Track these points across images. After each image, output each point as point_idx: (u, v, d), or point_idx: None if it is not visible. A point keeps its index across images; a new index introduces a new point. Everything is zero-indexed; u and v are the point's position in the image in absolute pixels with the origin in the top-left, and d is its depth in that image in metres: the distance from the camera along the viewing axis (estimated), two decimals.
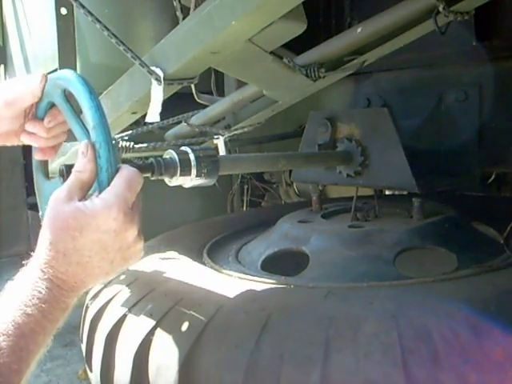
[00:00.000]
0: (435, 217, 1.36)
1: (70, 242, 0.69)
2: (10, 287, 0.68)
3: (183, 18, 1.21)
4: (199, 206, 2.59)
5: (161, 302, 1.12)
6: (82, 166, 0.73)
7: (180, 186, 0.93)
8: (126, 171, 0.74)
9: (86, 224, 0.69)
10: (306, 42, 1.23)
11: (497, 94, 1.53)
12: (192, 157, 0.87)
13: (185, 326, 1.01)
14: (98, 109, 0.75)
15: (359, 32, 1.16)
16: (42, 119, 0.85)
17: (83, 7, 1.27)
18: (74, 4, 1.30)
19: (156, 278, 1.28)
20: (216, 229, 1.75)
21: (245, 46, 1.14)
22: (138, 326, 1.09)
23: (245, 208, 2.90)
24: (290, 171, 1.78)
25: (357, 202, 1.50)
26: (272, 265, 1.35)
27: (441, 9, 1.01)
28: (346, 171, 1.42)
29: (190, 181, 0.89)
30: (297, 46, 1.24)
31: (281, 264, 1.36)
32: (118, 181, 0.73)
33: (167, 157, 0.86)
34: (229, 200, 2.73)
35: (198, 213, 2.58)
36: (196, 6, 1.14)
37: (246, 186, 2.88)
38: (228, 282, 1.20)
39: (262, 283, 1.18)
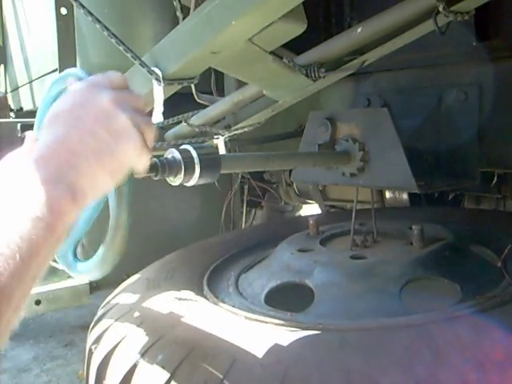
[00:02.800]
0: (435, 244, 1.35)
1: (47, 126, 0.67)
2: None
3: (183, 18, 1.21)
4: (199, 205, 2.59)
5: (172, 353, 1.07)
6: None
7: (180, 186, 0.93)
8: None
9: (58, 104, 0.68)
10: (306, 41, 1.23)
11: (497, 94, 1.53)
12: (195, 155, 0.87)
13: (200, 381, 0.98)
14: None
15: (359, 32, 1.16)
16: None
17: (83, 7, 1.27)
18: (74, 4, 1.30)
19: (162, 322, 1.22)
20: (212, 253, 1.73)
21: (245, 45, 1.14)
22: (150, 380, 1.04)
23: (244, 208, 2.91)
24: (290, 171, 1.78)
25: (352, 222, 1.48)
26: (275, 297, 1.33)
27: (441, 9, 1.01)
28: (345, 171, 1.42)
29: (193, 179, 0.88)
30: (297, 46, 1.24)
31: (283, 296, 1.34)
32: None
33: (170, 156, 0.86)
34: (228, 199, 2.73)
35: (197, 212, 2.58)
36: (196, 6, 1.14)
37: (245, 186, 2.88)
38: (237, 325, 1.16)
39: (271, 324, 1.15)
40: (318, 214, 2.46)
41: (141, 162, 0.71)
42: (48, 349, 2.84)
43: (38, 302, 2.12)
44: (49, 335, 2.98)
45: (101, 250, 1.00)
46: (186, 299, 1.35)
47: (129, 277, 2.36)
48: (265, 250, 1.70)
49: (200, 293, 1.39)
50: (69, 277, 2.21)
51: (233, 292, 1.41)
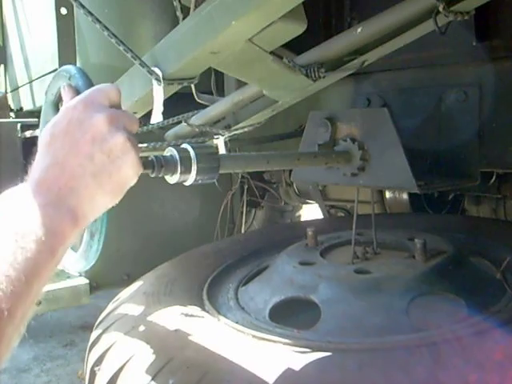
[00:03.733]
0: (437, 257, 1.35)
1: (44, 147, 0.68)
2: None
3: (183, 18, 1.21)
4: (199, 205, 2.59)
5: (184, 377, 1.03)
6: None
7: (180, 186, 0.93)
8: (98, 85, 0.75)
9: (54, 124, 0.69)
10: (306, 41, 1.23)
11: (497, 94, 1.53)
12: (192, 154, 0.87)
13: None
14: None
15: (359, 32, 1.16)
16: None
17: (83, 7, 1.27)
18: (74, 4, 1.30)
19: (170, 343, 1.18)
20: (207, 264, 1.71)
21: (245, 46, 1.14)
22: None
23: (244, 208, 2.90)
24: (290, 171, 1.78)
25: (350, 232, 1.48)
26: (278, 312, 1.32)
27: (441, 9, 1.01)
28: (345, 171, 1.42)
29: (191, 178, 0.88)
30: (297, 46, 1.24)
31: (287, 310, 1.33)
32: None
33: (168, 154, 0.86)
34: (227, 199, 2.73)
35: (197, 212, 2.58)
36: (196, 6, 1.15)
37: (245, 186, 2.88)
38: (246, 345, 1.14)
39: (281, 344, 1.12)
40: (313, 221, 2.44)
41: (136, 179, 0.72)
42: (48, 349, 2.84)
43: (38, 302, 2.11)
44: (49, 335, 2.98)
45: (83, 244, 0.99)
46: (189, 316, 1.31)
47: (129, 277, 2.36)
48: (260, 259, 1.70)
49: (201, 307, 1.37)
50: (69, 277, 2.21)
51: (234, 306, 1.39)
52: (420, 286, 1.26)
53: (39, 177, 0.65)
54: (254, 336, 1.17)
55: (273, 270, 1.50)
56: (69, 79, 0.83)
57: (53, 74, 0.91)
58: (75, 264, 0.96)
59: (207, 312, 1.34)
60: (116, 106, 0.73)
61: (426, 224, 1.85)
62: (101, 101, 0.71)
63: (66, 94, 0.77)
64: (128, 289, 1.61)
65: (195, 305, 1.38)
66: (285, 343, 1.12)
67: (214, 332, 1.22)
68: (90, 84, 0.80)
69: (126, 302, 1.49)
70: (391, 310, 1.20)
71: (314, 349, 1.08)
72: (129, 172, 0.70)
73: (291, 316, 1.31)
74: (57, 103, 0.92)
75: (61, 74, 0.90)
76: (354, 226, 1.47)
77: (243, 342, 1.16)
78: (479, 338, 1.04)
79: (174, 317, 1.31)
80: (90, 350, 1.32)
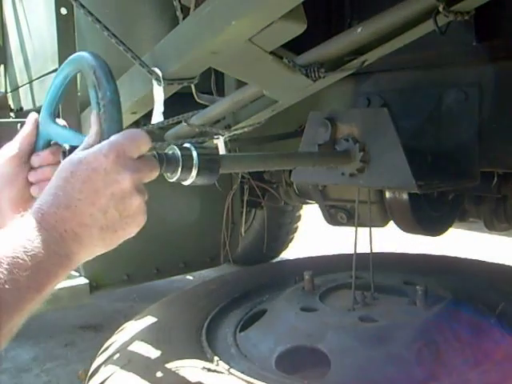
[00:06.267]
0: (438, 304, 1.37)
1: (61, 184, 0.68)
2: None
3: (183, 18, 1.21)
4: (199, 205, 2.59)
5: None
6: (90, 132, 0.74)
7: (180, 186, 0.93)
8: (129, 130, 0.74)
9: (78, 163, 0.68)
10: (306, 41, 1.23)
11: (497, 94, 1.53)
12: (194, 153, 0.86)
13: None
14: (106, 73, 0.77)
15: (359, 32, 1.16)
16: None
17: (83, 7, 1.27)
18: (74, 4, 1.30)
19: None
20: (200, 307, 1.69)
21: (245, 46, 1.14)
22: None
23: (244, 208, 2.90)
24: (290, 171, 1.78)
25: (344, 274, 1.49)
26: (283, 360, 1.31)
27: (441, 9, 1.01)
28: (345, 171, 1.42)
29: (191, 178, 0.88)
30: (297, 45, 1.24)
31: (292, 358, 1.32)
32: (118, 134, 0.72)
33: (170, 152, 0.85)
34: (228, 199, 2.73)
35: (197, 212, 2.58)
36: (196, 6, 1.15)
37: (245, 186, 2.88)
38: None
39: None
40: (298, 261, 2.43)
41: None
42: (48, 349, 2.83)
43: None
44: (49, 335, 2.97)
45: None
46: (194, 368, 1.28)
47: (129, 277, 2.36)
48: (252, 301, 1.72)
49: (203, 357, 1.35)
50: (69, 277, 2.21)
51: (236, 354, 1.37)
52: (425, 334, 1.27)
53: (48, 211, 0.65)
54: None
55: (273, 316, 1.49)
56: (94, 73, 0.79)
57: (67, 60, 0.87)
58: None
59: (210, 360, 1.32)
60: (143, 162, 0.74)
61: (417, 265, 1.89)
62: (132, 153, 0.71)
63: (94, 122, 0.75)
64: (122, 334, 1.57)
65: (197, 354, 1.36)
66: None
67: None
68: (110, 78, 0.78)
69: (125, 348, 1.45)
70: (400, 360, 1.20)
71: None
72: (133, 231, 0.72)
73: (294, 361, 1.30)
74: (63, 91, 0.90)
75: (76, 63, 0.86)
76: (353, 268, 1.47)
77: None
78: None
79: (180, 371, 1.28)
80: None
